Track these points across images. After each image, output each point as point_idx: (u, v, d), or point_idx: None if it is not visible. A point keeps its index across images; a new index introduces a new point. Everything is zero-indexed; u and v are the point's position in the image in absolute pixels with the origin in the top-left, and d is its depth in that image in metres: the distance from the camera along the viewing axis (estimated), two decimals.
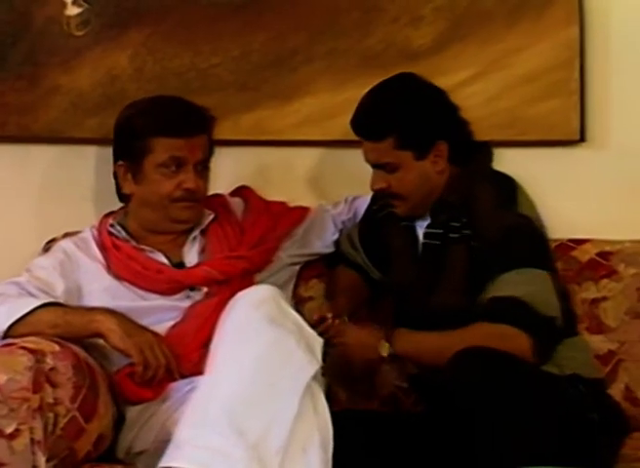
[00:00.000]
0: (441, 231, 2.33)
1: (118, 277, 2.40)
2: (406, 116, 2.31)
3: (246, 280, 2.39)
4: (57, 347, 2.15)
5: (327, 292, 2.58)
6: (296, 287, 2.58)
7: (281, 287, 2.30)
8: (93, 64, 2.76)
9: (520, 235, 2.26)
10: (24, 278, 2.37)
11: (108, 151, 2.52)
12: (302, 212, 2.60)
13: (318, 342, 2.09)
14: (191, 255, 2.45)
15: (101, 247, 2.45)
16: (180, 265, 2.44)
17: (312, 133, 2.72)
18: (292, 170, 2.76)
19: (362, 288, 2.55)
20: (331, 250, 2.61)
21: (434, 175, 2.33)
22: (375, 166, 2.35)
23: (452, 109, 2.33)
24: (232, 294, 2.17)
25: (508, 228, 2.25)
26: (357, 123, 2.35)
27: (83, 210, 2.75)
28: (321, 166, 2.75)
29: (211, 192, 2.53)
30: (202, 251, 2.47)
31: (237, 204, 2.57)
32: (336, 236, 2.61)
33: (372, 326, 2.32)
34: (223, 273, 2.40)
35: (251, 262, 2.43)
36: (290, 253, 2.55)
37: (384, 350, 2.22)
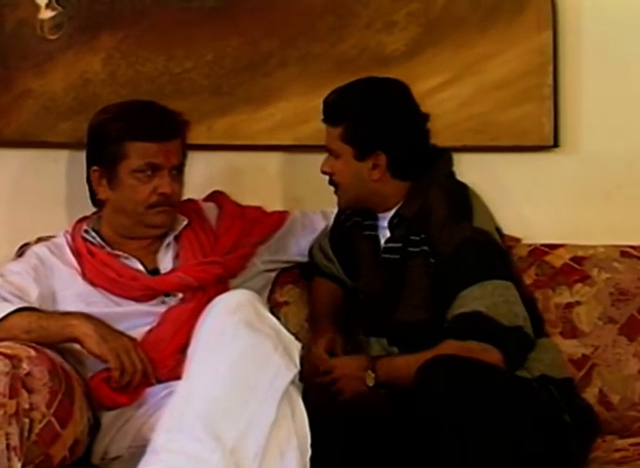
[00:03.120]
0: (400, 245, 2.35)
1: (92, 283, 2.41)
2: (359, 113, 2.36)
3: (221, 285, 2.40)
4: (32, 352, 2.15)
5: (309, 312, 2.60)
6: (271, 292, 2.59)
7: (257, 293, 2.29)
8: (65, 68, 2.77)
9: (475, 249, 2.29)
10: None
11: (81, 155, 2.53)
12: (279, 217, 2.61)
13: (296, 346, 2.10)
14: (166, 262, 2.46)
15: (76, 253, 2.45)
16: (155, 271, 2.45)
17: (286, 137, 2.73)
18: (265, 174, 2.78)
19: (340, 299, 2.57)
20: (306, 258, 2.62)
21: (369, 181, 2.37)
22: (326, 149, 2.42)
23: (413, 128, 2.36)
24: (208, 300, 2.18)
25: (462, 244, 2.29)
26: (323, 102, 2.42)
27: (55, 214, 2.76)
28: (294, 170, 2.76)
29: (185, 197, 2.53)
30: (176, 257, 2.47)
31: (211, 209, 2.58)
32: (310, 243, 2.62)
33: (356, 356, 2.36)
34: (197, 279, 2.40)
35: (225, 268, 2.44)
36: (264, 260, 2.56)
37: (370, 380, 2.26)
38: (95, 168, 2.45)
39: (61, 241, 2.48)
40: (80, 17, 2.79)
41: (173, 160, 2.41)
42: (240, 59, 2.75)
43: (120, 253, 2.44)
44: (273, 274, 2.59)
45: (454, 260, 2.28)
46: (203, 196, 2.64)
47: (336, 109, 2.39)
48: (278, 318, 2.20)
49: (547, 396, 2.17)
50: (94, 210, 2.54)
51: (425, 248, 2.32)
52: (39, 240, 2.59)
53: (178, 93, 2.73)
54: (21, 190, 2.82)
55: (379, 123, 2.34)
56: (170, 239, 2.47)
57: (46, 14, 2.82)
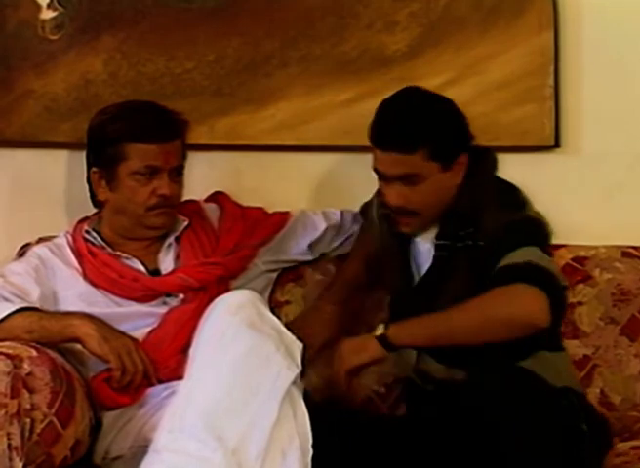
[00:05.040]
0: (449, 242, 2.33)
1: (93, 283, 2.42)
2: (439, 127, 2.29)
3: (222, 286, 2.41)
4: (34, 352, 2.17)
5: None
6: (272, 291, 2.59)
7: (258, 293, 2.30)
8: (66, 69, 2.78)
9: (525, 225, 2.26)
10: None
11: (82, 156, 2.53)
12: (280, 219, 2.61)
13: (297, 347, 2.11)
14: (167, 262, 2.47)
15: (77, 253, 2.47)
16: (156, 272, 2.46)
17: (287, 137, 2.73)
18: (266, 175, 2.78)
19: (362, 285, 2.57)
20: (307, 257, 2.62)
21: (451, 187, 2.32)
22: (394, 179, 2.30)
23: (465, 120, 2.35)
24: (209, 301, 2.20)
25: (512, 222, 2.26)
26: (387, 134, 2.30)
27: (56, 215, 2.77)
28: (296, 171, 2.77)
29: (186, 197, 2.54)
30: (177, 257, 2.49)
31: (212, 210, 2.59)
32: (310, 243, 2.62)
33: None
34: (198, 280, 2.42)
35: (226, 269, 2.45)
36: (266, 260, 2.57)
37: (379, 329, 2.22)
38: (94, 169, 2.46)
39: (62, 241, 2.50)
40: (81, 17, 2.79)
41: (172, 162, 2.42)
42: (241, 60, 2.75)
43: (121, 253, 2.45)
44: (274, 274, 2.59)
45: (503, 236, 2.24)
46: (204, 196, 2.64)
47: (412, 135, 2.28)
48: (279, 318, 2.20)
49: (569, 405, 2.17)
50: (94, 210, 2.54)
51: (470, 241, 2.29)
52: (40, 240, 2.59)
53: (179, 93, 2.74)
54: (22, 190, 2.83)
55: (455, 126, 2.32)
56: (171, 240, 2.48)
57: (47, 14, 2.83)
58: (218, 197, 2.62)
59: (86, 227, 2.49)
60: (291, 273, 2.62)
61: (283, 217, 2.61)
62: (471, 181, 2.34)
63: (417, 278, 2.39)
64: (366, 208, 2.55)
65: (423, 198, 2.30)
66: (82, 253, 2.46)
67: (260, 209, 2.62)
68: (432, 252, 2.36)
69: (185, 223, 2.50)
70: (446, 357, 2.26)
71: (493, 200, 2.33)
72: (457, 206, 2.33)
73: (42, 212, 2.79)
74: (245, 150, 2.79)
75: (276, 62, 2.74)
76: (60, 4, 2.83)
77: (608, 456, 2.24)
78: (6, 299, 2.33)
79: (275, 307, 2.55)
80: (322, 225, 2.60)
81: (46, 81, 2.78)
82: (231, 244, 2.51)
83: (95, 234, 2.47)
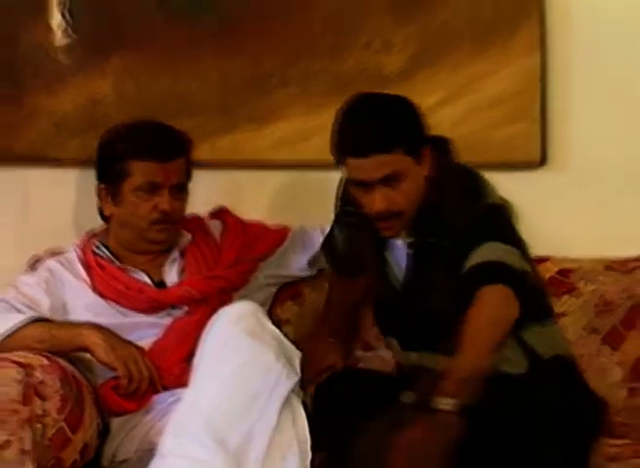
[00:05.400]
0: (418, 239, 2.34)
1: (102, 295, 2.50)
2: (407, 121, 2.30)
3: (224, 298, 2.49)
4: (45, 361, 2.24)
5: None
6: (272, 307, 2.67)
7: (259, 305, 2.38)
8: (76, 89, 2.87)
9: (485, 218, 2.28)
10: (12, 295, 2.47)
11: (89, 172, 2.61)
12: (281, 233, 2.69)
13: (297, 355, 2.20)
14: (172, 275, 2.55)
15: (86, 266, 2.55)
16: (162, 284, 2.54)
17: (287, 154, 2.81)
18: (267, 190, 2.86)
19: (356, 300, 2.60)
20: (307, 273, 2.70)
21: (423, 180, 2.31)
22: (377, 183, 2.29)
23: (421, 111, 2.37)
24: (212, 312, 2.27)
25: (473, 217, 2.28)
26: (364, 139, 2.27)
27: (64, 229, 2.84)
28: (296, 187, 2.84)
29: (190, 212, 2.61)
30: (182, 271, 2.57)
31: (215, 225, 2.67)
32: (310, 259, 2.69)
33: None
34: (202, 292, 2.50)
35: (227, 282, 2.53)
36: (266, 274, 2.65)
37: (439, 404, 2.13)
38: (101, 185, 2.55)
39: (72, 255, 2.58)
40: (91, 40, 2.87)
41: (173, 179, 2.50)
42: (243, 79, 2.84)
43: (128, 266, 2.53)
44: (274, 288, 2.68)
45: (469, 229, 2.26)
46: (207, 211, 2.71)
47: (388, 134, 2.28)
48: (280, 328, 2.28)
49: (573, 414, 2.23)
50: (101, 224, 2.61)
51: (437, 238, 2.30)
52: (50, 253, 2.67)
53: (183, 112, 2.81)
54: (32, 205, 2.91)
55: (417, 120, 2.31)
56: (175, 254, 2.57)
57: (59, 38, 2.90)
58: (220, 212, 2.70)
59: (95, 241, 2.57)
60: (290, 290, 2.70)
61: (282, 233, 2.69)
62: (437, 172, 2.35)
63: (400, 277, 2.40)
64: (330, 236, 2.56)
65: (406, 196, 2.30)
66: (91, 265, 2.54)
67: (260, 224, 2.70)
68: (405, 250, 2.37)
69: (189, 238, 2.58)
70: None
71: (456, 190, 2.34)
72: (426, 201, 2.33)
73: (51, 226, 2.86)
74: (246, 167, 2.86)
75: (276, 81, 2.82)
76: (72, 29, 2.89)
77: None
78: (18, 310, 2.42)
79: (274, 324, 2.59)
80: (320, 241, 2.64)
81: (56, 100, 2.87)
82: (233, 258, 2.59)
83: (103, 248, 2.56)
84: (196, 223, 2.64)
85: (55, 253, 2.66)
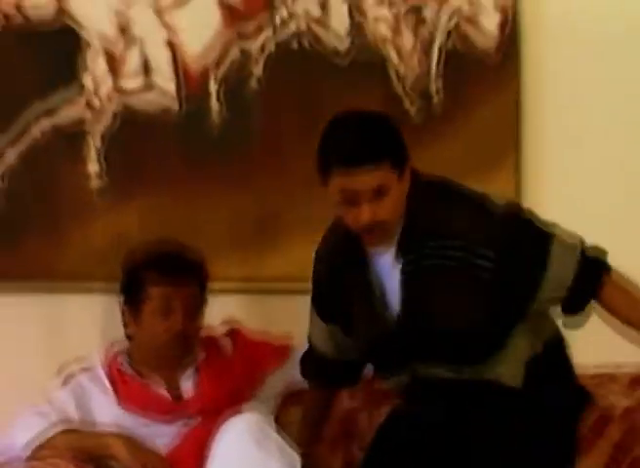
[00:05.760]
0: (414, 257, 2.39)
1: (125, 408, 2.79)
2: (394, 137, 2.37)
3: (235, 409, 2.73)
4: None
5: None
6: (277, 413, 2.93)
7: (265, 415, 2.70)
8: (106, 224, 3.17)
9: (519, 232, 2.39)
10: (46, 408, 2.78)
11: (115, 297, 2.92)
12: (284, 351, 2.97)
13: (298, 462, 2.51)
14: (188, 389, 2.83)
15: (112, 381, 2.84)
16: (179, 397, 2.82)
17: (289, 280, 3.07)
18: (272, 313, 3.13)
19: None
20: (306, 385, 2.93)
21: (404, 196, 2.38)
22: (365, 196, 2.33)
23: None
24: (224, 421, 2.59)
25: (503, 227, 2.37)
26: (356, 151, 2.32)
27: (90, 344, 3.08)
28: (297, 309, 2.94)
29: (205, 331, 2.90)
30: (197, 385, 2.85)
31: (227, 343, 2.96)
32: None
33: None
34: (215, 404, 2.76)
35: (238, 395, 2.81)
36: (272, 386, 2.93)
37: None
38: (125, 307, 2.87)
39: (100, 372, 2.87)
40: (121, 183, 3.19)
41: (187, 302, 2.80)
42: (249, 214, 3.14)
43: (149, 381, 2.82)
44: (280, 398, 2.95)
45: (515, 251, 2.35)
46: (221, 327, 2.99)
47: (377, 146, 2.34)
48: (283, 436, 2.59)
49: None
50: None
51: (461, 253, 2.34)
52: (81, 369, 2.92)
53: (198, 243, 2.95)
54: (65, 325, 3.22)
55: (401, 137, 2.39)
56: (191, 370, 2.85)
57: (94, 181, 3.23)
58: (232, 332, 2.99)
59: (119, 358, 2.87)
60: (294, 396, 2.94)
61: (286, 351, 2.97)
62: (414, 189, 2.40)
63: (392, 300, 2.43)
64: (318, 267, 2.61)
65: (390, 208, 2.34)
66: (116, 380, 2.83)
67: (267, 342, 2.99)
68: (396, 268, 2.40)
69: (203, 355, 2.87)
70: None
71: (444, 202, 2.41)
72: (411, 217, 2.39)
73: (78, 341, 3.14)
74: (252, 290, 3.15)
75: (279, 216, 3.11)
76: (106, 174, 3.22)
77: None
78: (52, 422, 2.73)
79: (278, 429, 2.80)
80: None
81: (88, 234, 3.17)
82: (243, 374, 2.89)
83: (127, 365, 2.85)
84: (210, 342, 2.93)
85: (85, 370, 2.90)
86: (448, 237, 2.37)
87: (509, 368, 2.42)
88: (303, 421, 2.82)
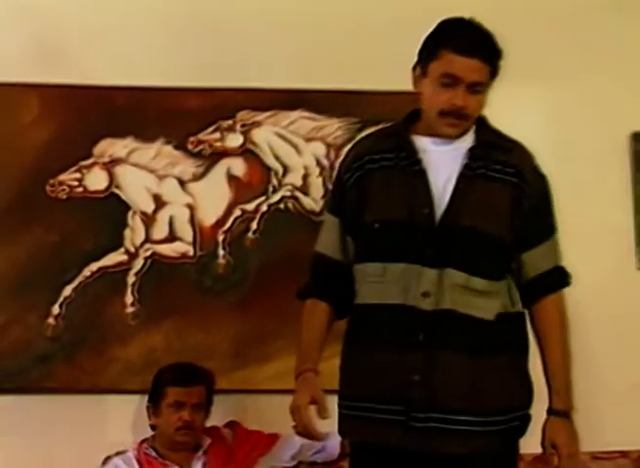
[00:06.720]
0: (482, 163, 2.51)
1: None
2: (500, 50, 2.52)
3: None
4: None
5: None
6: None
7: None
8: (139, 342, 3.69)
9: (550, 192, 2.54)
10: None
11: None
12: (274, 439, 3.55)
13: None
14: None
15: (139, 462, 3.43)
16: None
17: (281, 385, 3.29)
18: (267, 412, 3.60)
19: (330, 322, 2.70)
20: (291, 464, 3.56)
21: (484, 105, 2.53)
22: (465, 84, 2.44)
23: None
24: None
25: (545, 181, 2.54)
26: (477, 41, 2.45)
27: (132, 440, 3.59)
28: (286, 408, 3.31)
29: (211, 423, 3.51)
30: (204, 464, 3.44)
31: (228, 433, 3.56)
32: (292, 455, 3.59)
33: None
34: None
35: None
36: (264, 465, 3.58)
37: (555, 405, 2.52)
38: (149, 404, 3.51)
39: (131, 454, 3.48)
40: (150, 309, 3.68)
41: (193, 399, 3.42)
42: (252, 332, 3.67)
43: (168, 462, 3.42)
44: None
45: (544, 201, 2.52)
46: (223, 423, 3.57)
47: (494, 47, 2.48)
48: None
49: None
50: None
51: (517, 177, 2.47)
52: (116, 453, 3.51)
53: (210, 356, 3.62)
54: (109, 423, 3.74)
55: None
56: (200, 453, 3.48)
57: (130, 309, 3.72)
58: (231, 424, 3.62)
59: (146, 444, 3.49)
60: None
61: (275, 438, 3.59)
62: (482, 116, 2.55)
63: (439, 184, 2.50)
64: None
65: (477, 105, 2.49)
66: (142, 462, 3.43)
67: (260, 432, 3.57)
68: (454, 163, 2.48)
69: (209, 441, 3.51)
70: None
71: (508, 138, 2.58)
72: (484, 131, 2.53)
73: (121, 439, 3.62)
74: (252, 392, 3.66)
75: (275, 335, 3.61)
76: (139, 302, 3.69)
77: None
78: None
79: None
80: (298, 444, 3.54)
81: (125, 350, 3.67)
82: (242, 455, 3.48)
83: (151, 449, 3.46)
84: (214, 432, 3.60)
85: (119, 453, 3.50)
86: (507, 161, 2.51)
87: (491, 304, 2.50)
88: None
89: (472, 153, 2.49)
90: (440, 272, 2.46)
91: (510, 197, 2.48)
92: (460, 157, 2.50)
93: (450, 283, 2.46)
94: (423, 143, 2.53)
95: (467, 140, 2.54)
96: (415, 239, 2.45)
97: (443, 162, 2.50)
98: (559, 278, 2.59)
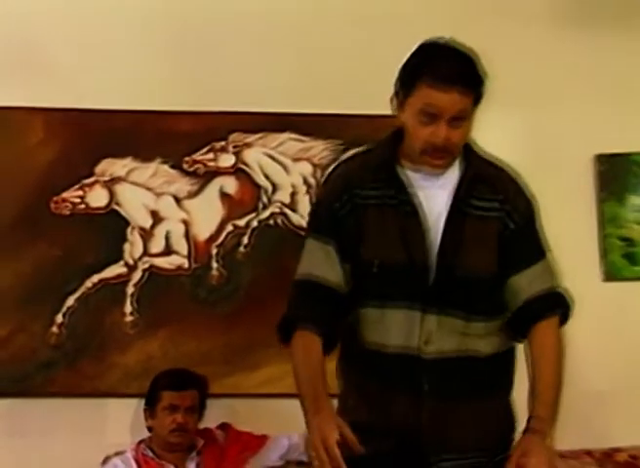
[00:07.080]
0: (467, 200, 2.38)
1: None
2: (484, 77, 2.37)
3: None
4: None
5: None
6: None
7: None
8: (137, 350, 3.82)
9: (536, 224, 2.42)
10: None
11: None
12: (263, 440, 3.73)
13: None
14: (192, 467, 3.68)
15: (136, 461, 3.62)
16: None
17: (270, 390, 3.76)
18: (258, 416, 3.77)
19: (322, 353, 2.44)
20: (279, 463, 3.71)
21: (469, 133, 2.39)
22: (447, 117, 2.28)
23: None
24: None
25: (531, 205, 2.41)
26: (453, 68, 2.27)
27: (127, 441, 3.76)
28: (275, 412, 3.71)
29: (203, 425, 3.69)
30: (198, 464, 3.62)
31: (220, 434, 3.73)
32: (280, 455, 3.80)
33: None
34: None
35: None
36: (254, 465, 3.77)
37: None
38: (146, 407, 3.71)
39: (129, 455, 3.66)
40: (148, 317, 3.79)
41: (186, 403, 3.58)
42: (243, 339, 3.80)
43: (164, 462, 3.60)
44: None
45: (530, 226, 2.38)
46: (215, 425, 3.72)
47: (476, 76, 2.32)
48: None
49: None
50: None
51: (502, 208, 2.35)
52: (115, 453, 3.66)
53: (202, 364, 3.77)
54: (108, 424, 3.87)
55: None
56: (194, 453, 3.67)
57: (128, 318, 3.86)
58: (223, 426, 3.79)
59: (143, 445, 3.66)
60: None
61: (264, 439, 3.79)
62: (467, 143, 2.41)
63: (431, 221, 2.36)
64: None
65: (462, 136, 2.33)
66: (140, 462, 3.61)
67: (250, 433, 3.74)
68: (443, 195, 2.37)
69: (202, 442, 3.72)
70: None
71: (500, 170, 2.42)
72: (469, 160, 2.37)
73: (120, 441, 3.74)
74: (242, 396, 3.81)
75: (263, 344, 3.69)
76: (137, 311, 3.82)
77: None
78: None
79: None
80: (286, 445, 3.76)
81: (124, 357, 3.81)
82: (233, 455, 3.67)
83: (148, 450, 3.64)
84: (207, 433, 3.80)
85: (118, 453, 3.65)
86: (493, 193, 2.39)
87: (492, 344, 2.44)
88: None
89: (458, 192, 2.40)
90: (439, 319, 2.40)
91: (497, 233, 2.41)
92: (448, 191, 2.42)
93: (449, 329, 2.41)
94: (412, 179, 2.42)
95: (455, 172, 2.44)
96: (413, 284, 2.39)
97: (433, 199, 2.42)
98: (552, 303, 2.45)
